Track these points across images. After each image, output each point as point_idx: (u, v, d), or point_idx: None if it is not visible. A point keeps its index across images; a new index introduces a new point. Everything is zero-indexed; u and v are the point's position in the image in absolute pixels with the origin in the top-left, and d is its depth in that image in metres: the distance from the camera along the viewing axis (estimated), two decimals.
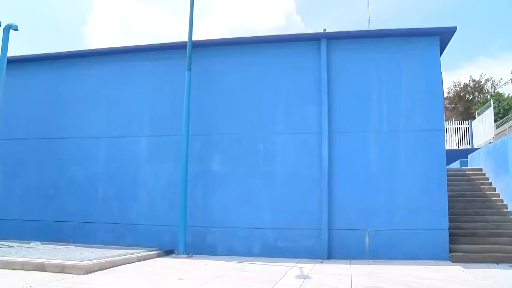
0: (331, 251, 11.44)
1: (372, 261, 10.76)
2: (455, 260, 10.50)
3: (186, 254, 11.31)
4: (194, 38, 12.40)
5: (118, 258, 9.31)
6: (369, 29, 22.15)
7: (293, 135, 12.17)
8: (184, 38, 12.49)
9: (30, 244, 11.63)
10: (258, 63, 12.78)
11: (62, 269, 7.97)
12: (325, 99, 12.02)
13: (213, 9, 75.42)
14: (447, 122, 26.59)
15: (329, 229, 11.52)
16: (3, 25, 12.70)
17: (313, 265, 10.06)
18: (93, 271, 8.11)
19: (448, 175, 11.91)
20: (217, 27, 73.89)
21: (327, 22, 75.96)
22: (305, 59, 12.53)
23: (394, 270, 9.23)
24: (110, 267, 8.67)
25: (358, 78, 12.16)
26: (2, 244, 11.24)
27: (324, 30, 13.03)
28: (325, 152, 11.81)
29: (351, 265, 9.94)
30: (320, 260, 11.08)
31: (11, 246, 10.86)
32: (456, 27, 11.54)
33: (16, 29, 12.86)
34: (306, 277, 8.40)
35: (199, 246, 11.93)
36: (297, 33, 13.20)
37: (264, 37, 13.06)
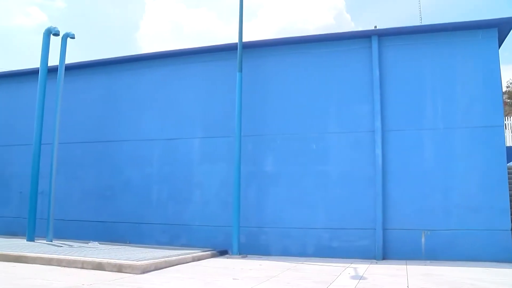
0: (386, 252, 11.22)
1: (428, 262, 10.47)
2: None
3: (240, 254, 11.37)
4: (244, 39, 12.45)
5: (173, 258, 9.44)
6: (421, 24, 21.58)
7: (345, 134, 12.02)
8: (234, 39, 12.58)
9: (89, 244, 12.00)
10: (309, 62, 12.70)
11: (119, 268, 8.14)
12: (378, 97, 11.81)
13: (262, 10, 75.85)
14: (506, 117, 25.55)
15: (384, 229, 11.31)
16: (61, 34, 13.20)
17: (367, 265, 9.90)
18: (150, 271, 8.25)
19: (509, 173, 11.43)
20: (266, 28, 74.22)
21: (377, 19, 74.96)
22: (356, 57, 12.36)
23: (452, 272, 8.92)
24: (165, 267, 8.80)
25: (412, 75, 11.87)
26: (63, 244, 11.66)
27: (375, 27, 12.79)
28: (378, 151, 11.60)
29: (407, 266, 9.69)
30: (374, 260, 10.90)
31: (71, 246, 11.24)
32: None
33: (73, 37, 13.36)
34: (361, 277, 8.26)
35: (252, 247, 11.98)
36: (348, 31, 12.98)
37: (314, 36, 12.94)
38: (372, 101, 11.89)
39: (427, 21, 34.13)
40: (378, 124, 11.70)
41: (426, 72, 11.76)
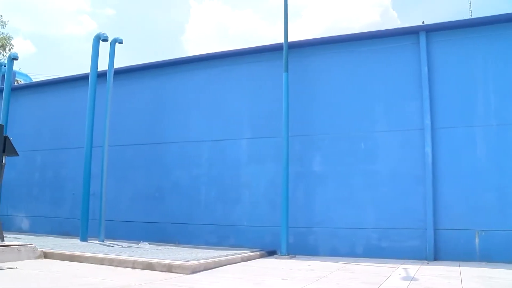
0: (437, 252, 10.92)
1: (484, 263, 10.11)
2: None
3: (288, 254, 11.33)
4: (289, 40, 12.40)
5: (222, 258, 9.50)
6: (470, 17, 20.97)
7: (394, 132, 11.80)
8: (278, 40, 12.58)
9: (139, 244, 12.25)
10: (355, 61, 12.54)
11: (169, 268, 8.24)
12: (427, 94, 11.53)
13: (306, 10, 75.65)
14: None
15: (435, 229, 11.00)
16: (109, 40, 13.54)
17: (418, 266, 9.67)
18: (199, 271, 8.31)
19: None
20: (311, 28, 74.00)
21: (424, 15, 73.45)
22: (403, 54, 12.12)
23: (509, 275, 8.56)
24: (214, 267, 8.86)
25: (462, 70, 11.51)
26: (115, 244, 11.94)
27: (423, 22, 12.50)
28: (428, 149, 11.32)
29: (460, 268, 9.39)
30: (426, 261, 10.63)
31: (122, 246, 11.49)
32: None
33: (121, 42, 13.71)
34: (412, 278, 8.07)
35: (301, 247, 11.92)
36: (394, 28, 12.72)
37: (360, 34, 12.77)
38: (421, 98, 11.61)
39: (478, 14, 33.09)
40: (427, 121, 11.41)
41: (477, 67, 11.38)
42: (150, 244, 12.41)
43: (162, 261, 8.55)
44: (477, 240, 10.71)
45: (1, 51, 36.53)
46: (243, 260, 10.17)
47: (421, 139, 11.47)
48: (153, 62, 15.10)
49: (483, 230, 10.70)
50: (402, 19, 75.11)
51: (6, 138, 10.10)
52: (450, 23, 11.86)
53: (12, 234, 13.98)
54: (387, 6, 74.79)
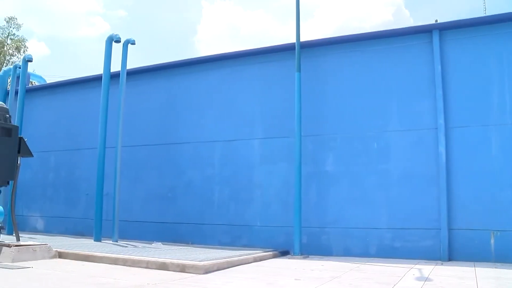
0: (451, 253, 10.82)
1: (499, 264, 9.98)
2: None
3: (301, 254, 11.32)
4: (301, 39, 12.36)
5: (235, 258, 9.51)
6: (485, 15, 20.78)
7: (407, 132, 11.71)
8: (290, 40, 12.54)
9: (152, 244, 12.29)
10: (367, 60, 12.47)
11: (183, 268, 8.27)
12: (440, 93, 11.42)
13: (318, 10, 75.57)
14: None
15: (449, 229, 10.90)
16: (122, 41, 13.62)
17: (432, 266, 9.60)
18: (212, 271, 8.33)
19: None
20: (323, 28, 73.91)
21: (437, 14, 72.98)
22: (416, 53, 12.02)
23: None
24: (228, 267, 8.87)
25: (476, 69, 11.38)
26: (128, 244, 12.01)
27: (436, 21, 12.41)
28: (442, 149, 11.22)
29: (475, 268, 9.30)
30: (440, 261, 10.53)
31: (135, 246, 11.55)
32: None
33: (133, 43, 13.79)
34: (426, 279, 8.01)
35: (314, 247, 11.89)
36: (407, 27, 12.65)
37: (372, 33, 12.71)
38: (434, 97, 11.52)
39: (492, 12, 32.83)
40: (441, 121, 11.32)
41: (492, 65, 11.25)
42: (163, 244, 12.45)
43: (176, 261, 8.59)
44: (492, 241, 10.59)
45: (16, 53, 36.96)
46: (256, 260, 10.17)
47: (434, 138, 11.38)
48: (166, 62, 15.15)
49: (498, 230, 10.57)
50: (414, 17, 74.81)
51: (21, 139, 10.20)
52: (463, 21, 11.75)
53: (27, 234, 14.11)
54: (400, 4, 74.55)
